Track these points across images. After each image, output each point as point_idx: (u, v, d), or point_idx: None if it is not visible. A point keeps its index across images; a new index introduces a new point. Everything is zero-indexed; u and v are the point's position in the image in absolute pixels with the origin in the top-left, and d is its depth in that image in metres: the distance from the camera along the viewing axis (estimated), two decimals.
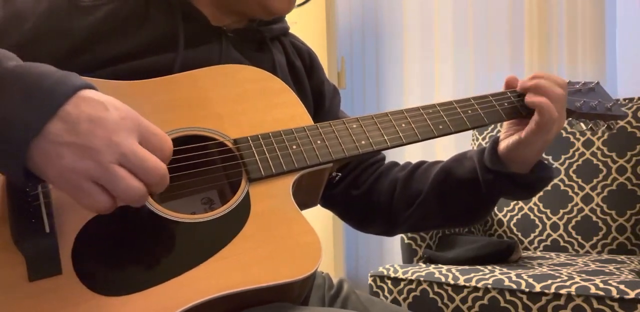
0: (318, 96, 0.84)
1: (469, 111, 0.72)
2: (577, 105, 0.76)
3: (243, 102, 0.65)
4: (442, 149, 2.31)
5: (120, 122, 0.46)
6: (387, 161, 0.89)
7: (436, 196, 0.78)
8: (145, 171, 0.46)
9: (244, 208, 0.58)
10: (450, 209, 0.78)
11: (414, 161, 0.87)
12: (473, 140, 1.94)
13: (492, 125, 1.85)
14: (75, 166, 0.44)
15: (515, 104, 0.73)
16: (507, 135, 0.74)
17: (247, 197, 0.58)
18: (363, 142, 0.66)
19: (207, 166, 0.61)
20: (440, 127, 0.69)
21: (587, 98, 0.78)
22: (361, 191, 0.84)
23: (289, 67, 0.80)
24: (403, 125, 0.68)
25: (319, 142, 0.64)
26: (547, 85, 0.71)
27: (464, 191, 0.76)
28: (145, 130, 0.48)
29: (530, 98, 0.71)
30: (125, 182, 0.45)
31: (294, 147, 0.62)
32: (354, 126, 0.67)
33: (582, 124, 0.80)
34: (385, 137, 0.67)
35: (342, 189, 0.84)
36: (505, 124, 0.76)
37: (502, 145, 0.73)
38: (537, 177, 0.73)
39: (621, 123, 1.66)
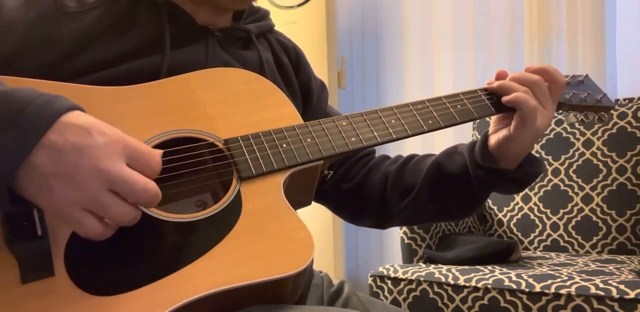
0: (306, 92, 0.84)
1: (458, 106, 0.73)
2: (567, 98, 0.78)
3: (233, 103, 0.65)
4: (441, 144, 2.31)
5: (105, 148, 0.46)
6: (390, 155, 0.89)
7: (428, 190, 0.78)
8: (136, 193, 0.47)
9: (236, 206, 0.57)
10: (443, 203, 0.79)
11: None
12: (473, 136, 1.94)
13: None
14: (65, 197, 0.45)
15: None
16: (496, 130, 0.75)
17: (238, 195, 0.58)
18: (353, 138, 0.66)
19: (198, 166, 0.61)
20: (430, 122, 0.70)
21: (576, 90, 0.80)
22: (352, 185, 0.84)
23: (276, 64, 0.80)
24: (393, 121, 0.69)
25: (309, 140, 0.64)
26: (523, 74, 0.72)
27: (455, 186, 0.76)
28: (132, 151, 0.48)
29: (507, 95, 0.72)
30: (116, 208, 0.46)
31: (284, 145, 0.63)
32: (344, 124, 0.67)
33: (572, 116, 0.82)
34: (375, 134, 0.67)
35: (333, 182, 0.85)
36: (494, 118, 0.77)
37: (493, 140, 0.74)
38: (527, 173, 0.74)
39: (621, 123, 1.66)
